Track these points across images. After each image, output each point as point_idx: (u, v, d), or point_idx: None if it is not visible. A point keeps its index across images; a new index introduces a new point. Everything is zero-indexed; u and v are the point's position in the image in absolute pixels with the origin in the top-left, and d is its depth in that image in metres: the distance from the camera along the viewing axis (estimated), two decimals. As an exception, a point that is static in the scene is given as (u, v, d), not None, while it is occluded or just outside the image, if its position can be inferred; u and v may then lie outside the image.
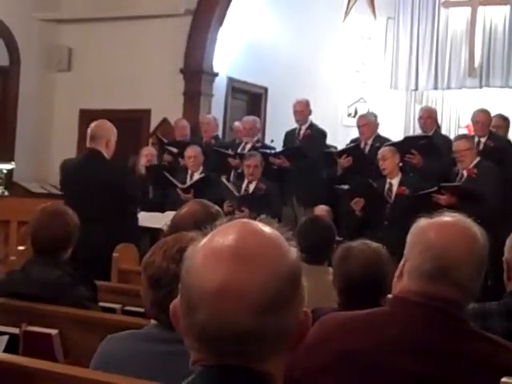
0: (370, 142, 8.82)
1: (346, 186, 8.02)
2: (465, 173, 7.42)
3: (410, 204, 7.09)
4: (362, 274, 3.24)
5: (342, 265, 3.34)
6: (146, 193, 8.43)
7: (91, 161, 6.11)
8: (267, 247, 1.34)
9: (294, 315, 1.34)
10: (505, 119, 9.35)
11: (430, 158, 8.05)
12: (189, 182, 8.42)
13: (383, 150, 7.84)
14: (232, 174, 9.00)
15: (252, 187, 8.31)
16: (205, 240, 1.36)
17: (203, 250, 1.35)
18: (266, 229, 1.37)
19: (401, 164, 7.88)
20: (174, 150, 9.20)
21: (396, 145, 8.37)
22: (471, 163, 7.39)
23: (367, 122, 8.96)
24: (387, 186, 7.73)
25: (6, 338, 3.66)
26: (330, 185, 8.66)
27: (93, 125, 6.26)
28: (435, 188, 7.25)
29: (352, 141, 9.29)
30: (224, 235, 1.34)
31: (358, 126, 9.03)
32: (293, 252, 1.37)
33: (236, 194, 8.17)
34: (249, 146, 9.17)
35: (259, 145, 9.24)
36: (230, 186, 8.38)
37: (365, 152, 8.69)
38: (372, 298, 3.13)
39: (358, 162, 8.35)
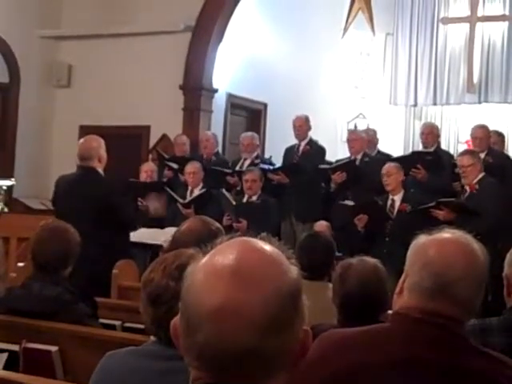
0: (359, 156, 8.84)
1: (350, 202, 8.03)
2: (467, 188, 7.43)
3: (410, 220, 7.10)
4: (360, 291, 3.24)
5: (340, 282, 3.35)
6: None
7: (87, 177, 6.12)
8: (268, 266, 1.32)
9: (294, 334, 1.33)
10: (499, 135, 9.38)
11: (434, 173, 8.08)
12: (189, 198, 8.42)
13: (388, 166, 7.82)
14: (232, 192, 8.97)
15: (251, 202, 8.31)
16: (205, 259, 1.35)
17: (203, 269, 1.33)
18: (267, 247, 1.36)
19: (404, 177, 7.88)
20: (175, 165, 9.21)
21: (402, 159, 8.42)
22: (475, 179, 7.38)
23: (356, 138, 9.00)
24: (389, 202, 7.73)
25: (5, 355, 3.66)
26: (328, 200, 8.68)
27: (80, 146, 6.25)
28: (434, 203, 7.26)
29: (338, 161, 9.30)
30: (224, 254, 1.33)
31: (348, 141, 9.07)
32: (293, 270, 1.36)
33: (233, 203, 8.17)
34: (248, 163, 9.17)
35: (258, 161, 9.23)
36: (228, 196, 8.38)
37: (358, 166, 8.70)
38: (371, 314, 3.13)
39: (351, 178, 8.37)
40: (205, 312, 1.28)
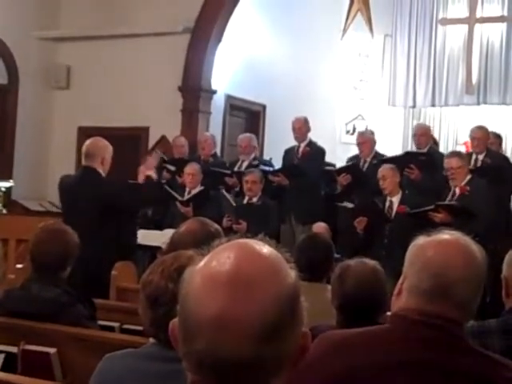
0: (368, 159, 8.85)
1: (349, 204, 8.03)
2: (457, 190, 7.43)
3: (409, 222, 7.10)
4: (359, 292, 3.24)
5: (339, 283, 3.35)
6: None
7: (87, 178, 6.12)
8: (266, 272, 1.30)
9: (293, 339, 1.32)
10: (497, 136, 9.39)
11: (428, 174, 8.08)
12: (187, 196, 8.41)
13: (383, 170, 7.82)
14: (231, 193, 8.97)
15: (252, 204, 8.30)
16: (202, 263, 1.33)
17: (200, 274, 1.31)
18: (265, 250, 1.33)
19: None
20: (172, 168, 9.20)
21: (396, 159, 8.42)
22: (463, 181, 7.41)
23: (366, 140, 8.99)
24: (387, 203, 7.73)
25: (2, 356, 3.65)
26: (328, 202, 8.68)
27: (87, 143, 6.28)
28: (432, 206, 7.26)
29: (350, 159, 9.33)
30: (222, 259, 1.31)
31: (358, 144, 9.08)
32: (292, 274, 1.34)
33: (233, 204, 8.17)
34: (245, 164, 9.17)
35: (256, 162, 9.23)
36: (228, 197, 8.38)
37: (363, 169, 8.72)
38: (369, 315, 3.13)
39: (356, 180, 8.39)
40: (203, 320, 1.27)
